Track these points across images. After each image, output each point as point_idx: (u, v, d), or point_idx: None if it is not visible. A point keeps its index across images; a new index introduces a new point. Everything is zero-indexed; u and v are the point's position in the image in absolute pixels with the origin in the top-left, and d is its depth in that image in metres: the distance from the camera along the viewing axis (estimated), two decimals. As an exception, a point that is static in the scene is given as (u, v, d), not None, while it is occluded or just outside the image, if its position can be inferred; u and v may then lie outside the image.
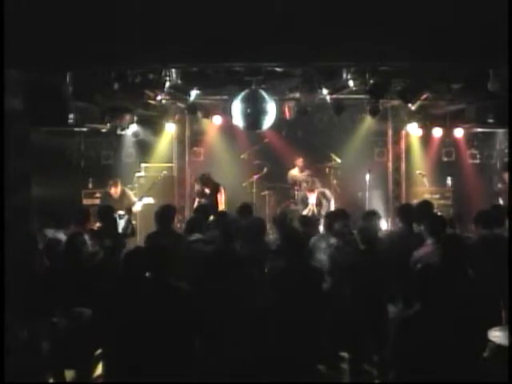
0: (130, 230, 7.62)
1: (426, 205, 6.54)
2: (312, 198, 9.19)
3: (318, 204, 9.20)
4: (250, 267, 5.07)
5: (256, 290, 4.79)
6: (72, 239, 5.40)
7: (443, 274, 3.83)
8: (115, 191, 9.30)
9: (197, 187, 9.35)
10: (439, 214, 7.77)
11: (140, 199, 9.43)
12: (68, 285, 4.82)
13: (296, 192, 10.34)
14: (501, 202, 9.19)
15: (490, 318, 4.36)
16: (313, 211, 9.10)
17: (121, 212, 8.16)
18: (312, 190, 9.28)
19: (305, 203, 9.26)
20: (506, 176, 9.62)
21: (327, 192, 9.62)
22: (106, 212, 6.86)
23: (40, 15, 5.30)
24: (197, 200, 9.33)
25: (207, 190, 9.13)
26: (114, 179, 9.46)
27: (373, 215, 6.31)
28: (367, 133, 10.94)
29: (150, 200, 9.41)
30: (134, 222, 8.41)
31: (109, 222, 6.71)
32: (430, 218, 5.76)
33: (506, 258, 4.78)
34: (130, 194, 9.60)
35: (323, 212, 8.69)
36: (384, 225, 9.35)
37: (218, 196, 9.10)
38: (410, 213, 6.22)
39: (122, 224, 7.42)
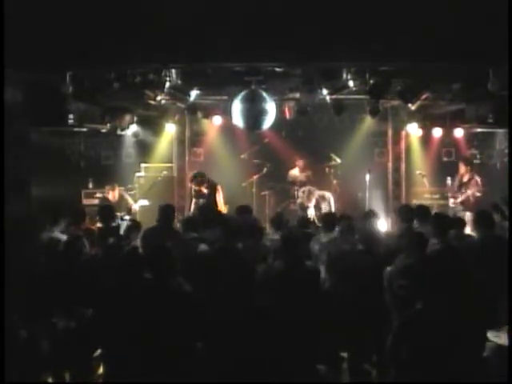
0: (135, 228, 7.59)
1: (424, 208, 6.54)
2: (311, 209, 9.14)
3: (318, 209, 9.17)
4: (250, 266, 5.08)
5: (256, 290, 4.79)
6: (72, 239, 5.40)
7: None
8: (113, 195, 9.30)
9: (194, 187, 9.23)
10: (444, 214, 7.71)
11: (136, 201, 9.46)
12: (68, 285, 4.82)
13: (296, 192, 10.34)
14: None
15: (489, 318, 4.36)
16: (313, 216, 9.09)
17: (122, 214, 8.16)
18: (309, 201, 9.22)
19: (304, 210, 9.24)
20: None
21: (326, 194, 9.57)
22: (107, 212, 6.85)
23: (40, 15, 5.32)
24: (193, 201, 9.25)
25: (205, 190, 9.08)
26: (110, 183, 9.45)
27: (371, 215, 6.31)
28: (367, 133, 10.94)
29: (145, 202, 9.45)
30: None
31: (110, 221, 6.70)
32: (435, 218, 5.77)
33: (505, 258, 4.79)
34: (128, 197, 9.59)
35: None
36: (384, 225, 9.32)
37: (217, 195, 9.05)
38: (409, 213, 6.21)
39: (123, 225, 7.40)
